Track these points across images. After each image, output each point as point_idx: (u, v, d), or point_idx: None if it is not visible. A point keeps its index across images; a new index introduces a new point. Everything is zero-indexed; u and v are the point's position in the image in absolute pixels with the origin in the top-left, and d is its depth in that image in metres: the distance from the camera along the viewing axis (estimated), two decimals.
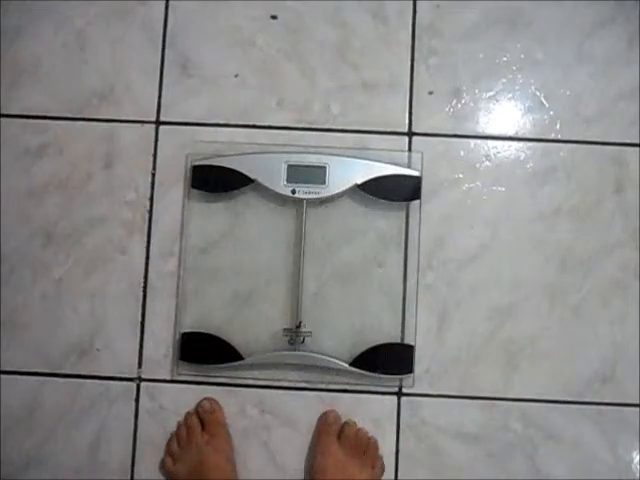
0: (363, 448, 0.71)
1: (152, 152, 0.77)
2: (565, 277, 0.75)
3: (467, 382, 0.74)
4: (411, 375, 0.72)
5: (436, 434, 0.73)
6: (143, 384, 0.74)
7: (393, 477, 0.73)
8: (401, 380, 0.73)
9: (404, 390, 0.73)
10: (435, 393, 0.74)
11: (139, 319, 0.75)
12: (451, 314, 0.74)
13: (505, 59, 0.77)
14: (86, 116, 0.77)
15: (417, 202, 0.74)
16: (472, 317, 0.74)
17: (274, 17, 0.78)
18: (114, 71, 0.78)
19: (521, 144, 0.76)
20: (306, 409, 0.74)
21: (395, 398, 0.74)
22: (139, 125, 0.77)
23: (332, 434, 0.71)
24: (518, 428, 0.73)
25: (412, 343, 0.73)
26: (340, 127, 0.77)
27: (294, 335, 0.72)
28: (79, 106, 0.77)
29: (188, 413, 0.73)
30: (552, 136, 0.76)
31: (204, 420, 0.72)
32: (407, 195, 0.74)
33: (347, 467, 0.69)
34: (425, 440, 0.73)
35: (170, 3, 0.78)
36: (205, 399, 0.73)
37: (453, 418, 0.74)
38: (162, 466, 0.72)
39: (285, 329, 0.72)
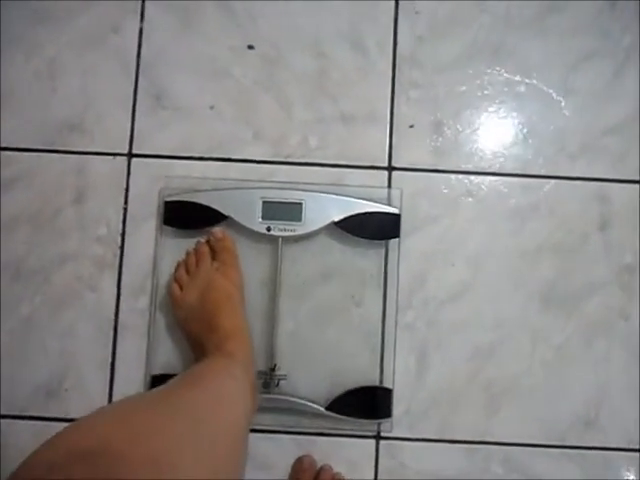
0: None
1: (124, 186, 0.74)
2: (548, 316, 0.73)
3: (447, 425, 0.72)
4: (389, 419, 0.70)
5: (415, 478, 0.71)
6: None
7: None
8: (379, 424, 0.71)
9: (382, 434, 0.71)
10: (414, 437, 0.72)
11: (109, 359, 0.72)
12: (431, 354, 0.72)
13: (487, 92, 0.75)
14: (57, 147, 0.75)
15: (396, 240, 0.72)
16: (453, 357, 0.72)
17: (251, 47, 0.76)
18: (85, 101, 0.75)
19: (503, 179, 0.74)
20: (281, 453, 0.71)
21: (373, 442, 0.72)
22: (111, 157, 0.75)
23: (308, 478, 0.69)
24: (500, 472, 0.71)
25: (390, 386, 0.71)
26: (318, 161, 0.74)
27: (268, 378, 0.69)
28: (50, 137, 0.75)
29: (198, 241, 0.71)
30: (535, 171, 0.74)
31: (215, 248, 0.70)
32: (386, 233, 0.71)
33: None
34: None
35: (144, 32, 0.76)
36: (217, 228, 0.70)
37: (433, 462, 0.71)
38: (169, 293, 0.70)
39: (259, 372, 0.70)
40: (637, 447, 0.72)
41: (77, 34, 0.76)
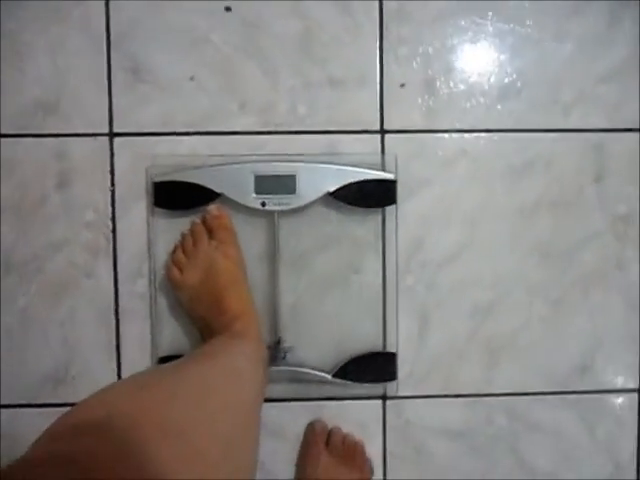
0: (351, 453, 0.72)
1: (108, 167, 0.72)
2: (545, 271, 0.74)
3: (450, 381, 0.74)
4: (395, 382, 0.72)
5: (422, 433, 0.74)
6: None
7: (382, 478, 0.74)
8: (385, 387, 0.73)
9: (388, 394, 0.73)
10: (419, 394, 0.74)
11: (114, 343, 0.72)
12: (432, 316, 0.74)
13: (480, 44, 0.72)
14: (33, 132, 0.71)
15: (393, 206, 0.71)
16: (453, 317, 0.74)
17: (228, 9, 0.71)
18: (57, 80, 0.71)
19: (498, 135, 0.73)
20: (292, 419, 0.74)
21: (380, 402, 0.74)
22: (91, 139, 0.71)
23: (320, 443, 0.71)
24: (501, 421, 0.75)
25: (394, 350, 0.72)
26: (308, 129, 0.72)
27: (274, 351, 0.70)
28: (24, 121, 0.71)
29: (193, 222, 0.69)
30: (530, 126, 0.73)
31: (212, 226, 0.68)
32: (382, 200, 0.71)
33: (337, 474, 0.70)
34: (411, 440, 0.74)
35: (110, 2, 0.71)
36: (213, 205, 0.68)
37: (437, 417, 0.74)
38: (168, 277, 0.69)
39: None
40: (634, 387, 0.75)
41: (38, 7, 0.70)
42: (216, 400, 0.47)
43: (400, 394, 0.74)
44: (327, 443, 0.72)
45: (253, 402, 0.54)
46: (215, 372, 0.52)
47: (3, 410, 0.72)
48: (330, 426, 0.73)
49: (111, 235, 0.72)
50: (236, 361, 0.57)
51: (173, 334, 0.72)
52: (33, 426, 0.71)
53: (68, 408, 0.71)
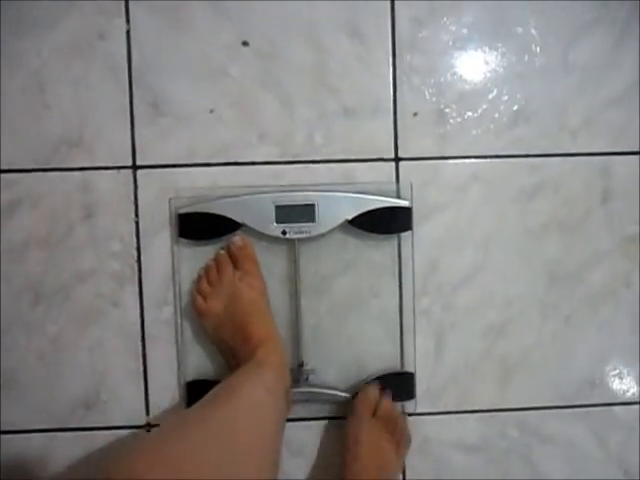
0: (394, 423, 0.73)
1: (132, 199, 0.74)
2: (555, 290, 0.77)
3: (465, 398, 0.77)
4: (413, 400, 0.75)
5: (439, 448, 0.77)
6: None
7: None
8: (403, 405, 0.76)
9: (407, 411, 0.76)
10: (436, 411, 0.77)
11: (141, 369, 0.75)
12: (447, 335, 0.76)
13: (489, 74, 0.75)
14: (57, 166, 0.73)
15: (409, 232, 0.74)
16: (467, 336, 0.77)
17: (245, 43, 0.73)
18: (81, 114, 0.73)
19: (508, 161, 0.75)
20: (313, 438, 0.76)
21: None
22: (115, 171, 0.74)
23: (369, 407, 0.72)
24: (515, 435, 0.78)
25: (412, 370, 0.75)
26: (325, 157, 0.74)
27: (297, 374, 0.73)
28: (47, 155, 0.73)
29: (217, 252, 0.72)
30: (538, 151, 0.75)
31: (236, 257, 0.70)
32: (398, 227, 0.73)
33: (380, 440, 0.71)
34: (430, 454, 0.77)
35: (132, 35, 0.73)
36: (236, 235, 0.71)
37: (454, 432, 0.77)
38: (193, 305, 0.71)
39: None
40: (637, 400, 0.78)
41: (61, 43, 0.72)
42: (239, 443, 0.51)
43: (418, 410, 0.76)
44: (375, 410, 0.72)
45: (275, 434, 0.58)
46: (238, 414, 0.55)
47: (37, 434, 0.74)
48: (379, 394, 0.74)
49: (136, 265, 0.74)
50: (258, 397, 0.59)
51: (199, 359, 0.74)
52: (66, 449, 0.74)
53: (100, 432, 0.74)
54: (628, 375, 0.78)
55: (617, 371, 0.78)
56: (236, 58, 0.73)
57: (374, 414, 0.72)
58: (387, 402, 0.73)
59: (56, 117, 0.73)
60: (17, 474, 0.75)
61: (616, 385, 0.78)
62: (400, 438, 0.74)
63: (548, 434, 0.78)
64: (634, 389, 0.78)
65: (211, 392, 0.60)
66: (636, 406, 0.78)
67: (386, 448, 0.72)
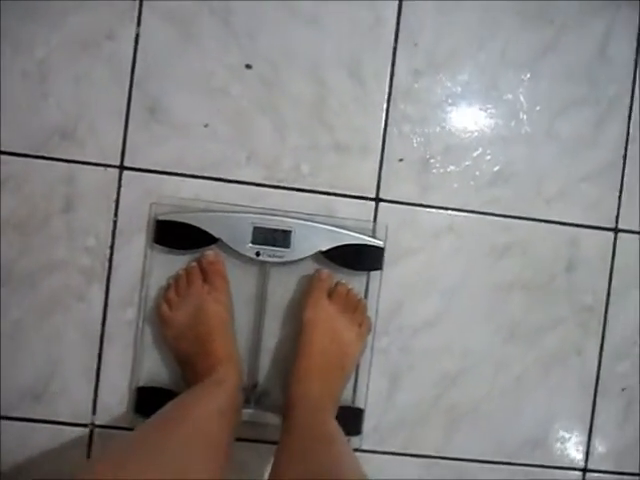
0: (353, 307, 0.73)
1: (114, 198, 0.75)
2: (511, 348, 0.79)
3: (411, 441, 0.78)
4: (359, 436, 0.76)
5: None
6: (97, 430, 0.75)
7: None
8: (349, 440, 0.76)
9: (352, 446, 0.77)
10: (381, 450, 0.78)
11: (95, 367, 0.75)
12: (402, 377, 0.78)
13: (476, 133, 0.78)
14: (46, 154, 0.74)
15: (379, 272, 0.76)
16: (421, 381, 0.78)
17: (249, 66, 0.75)
18: (77, 109, 0.74)
19: (483, 218, 0.78)
20: (258, 460, 0.77)
21: None
22: (102, 168, 0.75)
23: (323, 290, 0.72)
24: None
25: (362, 406, 0.76)
26: (308, 187, 0.76)
27: (250, 394, 0.74)
28: (39, 142, 0.74)
29: (189, 263, 0.72)
30: (513, 213, 0.78)
31: (207, 270, 0.71)
32: (370, 265, 0.75)
33: (336, 321, 0.71)
34: None
35: (140, 41, 0.74)
36: (210, 250, 0.72)
37: (395, 474, 0.78)
38: (157, 312, 0.72)
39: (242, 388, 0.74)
40: (579, 467, 0.80)
41: (69, 37, 0.74)
42: (189, 468, 0.52)
43: (363, 447, 0.77)
44: (330, 293, 0.73)
45: (225, 457, 0.58)
46: (190, 440, 0.55)
47: None
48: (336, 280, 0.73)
49: (107, 263, 0.75)
50: (212, 420, 0.60)
51: (153, 366, 0.75)
52: (4, 438, 0.73)
53: (43, 425, 0.74)
54: (572, 441, 0.80)
55: (561, 435, 0.80)
56: (238, 79, 0.75)
57: (330, 296, 0.72)
58: (342, 286, 0.73)
59: (53, 108, 0.74)
60: None
61: (557, 449, 0.80)
62: (361, 320, 0.73)
63: None
64: (577, 455, 0.80)
65: (167, 408, 0.60)
66: (577, 472, 0.80)
67: (344, 330, 0.71)
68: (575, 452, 0.80)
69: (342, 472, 0.51)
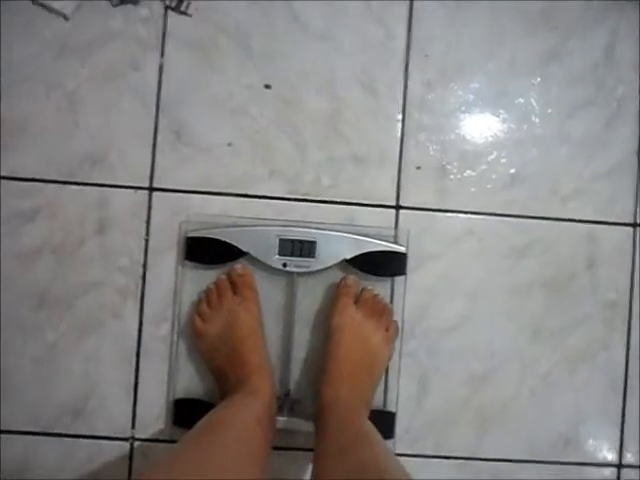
0: (379, 311, 0.75)
1: (145, 218, 0.78)
2: (536, 347, 0.80)
3: (442, 443, 0.79)
4: (392, 440, 0.77)
5: None
6: (137, 444, 0.77)
7: None
8: None
9: None
10: (413, 453, 0.79)
11: (132, 382, 0.77)
12: (430, 380, 0.79)
13: (490, 138, 0.80)
14: (78, 180, 0.78)
15: (403, 277, 0.78)
16: (450, 383, 0.79)
17: (268, 87, 0.79)
18: (107, 136, 0.78)
19: (502, 219, 0.80)
20: (293, 467, 0.78)
21: None
22: (132, 191, 0.78)
23: (350, 296, 0.74)
24: None
25: (394, 410, 0.78)
26: (330, 199, 0.79)
27: (283, 402, 0.76)
28: (71, 170, 0.78)
29: (219, 277, 0.75)
30: (530, 213, 0.80)
31: (236, 283, 0.74)
32: (393, 271, 0.77)
33: (363, 327, 0.73)
34: None
35: (164, 69, 0.78)
36: (239, 263, 0.75)
37: (428, 476, 0.79)
38: (191, 325, 0.75)
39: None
40: (614, 463, 0.80)
41: (96, 69, 0.78)
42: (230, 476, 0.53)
43: (397, 452, 0.78)
44: (357, 299, 0.74)
45: (263, 465, 0.60)
46: (228, 450, 0.57)
47: (23, 437, 0.76)
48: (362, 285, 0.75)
49: (141, 281, 0.78)
50: (250, 429, 0.62)
51: (189, 379, 0.77)
52: (47, 454, 0.76)
53: (83, 440, 0.76)
54: (601, 437, 0.80)
55: (591, 432, 0.80)
56: (257, 99, 0.79)
57: (357, 301, 0.74)
58: (368, 291, 0.75)
59: (84, 136, 0.78)
60: None
61: (589, 446, 0.80)
62: (388, 324, 0.75)
63: None
64: (607, 451, 0.80)
65: (206, 420, 0.63)
66: (610, 468, 0.81)
67: (372, 334, 0.73)
68: (608, 448, 0.80)
69: (384, 470, 0.53)
